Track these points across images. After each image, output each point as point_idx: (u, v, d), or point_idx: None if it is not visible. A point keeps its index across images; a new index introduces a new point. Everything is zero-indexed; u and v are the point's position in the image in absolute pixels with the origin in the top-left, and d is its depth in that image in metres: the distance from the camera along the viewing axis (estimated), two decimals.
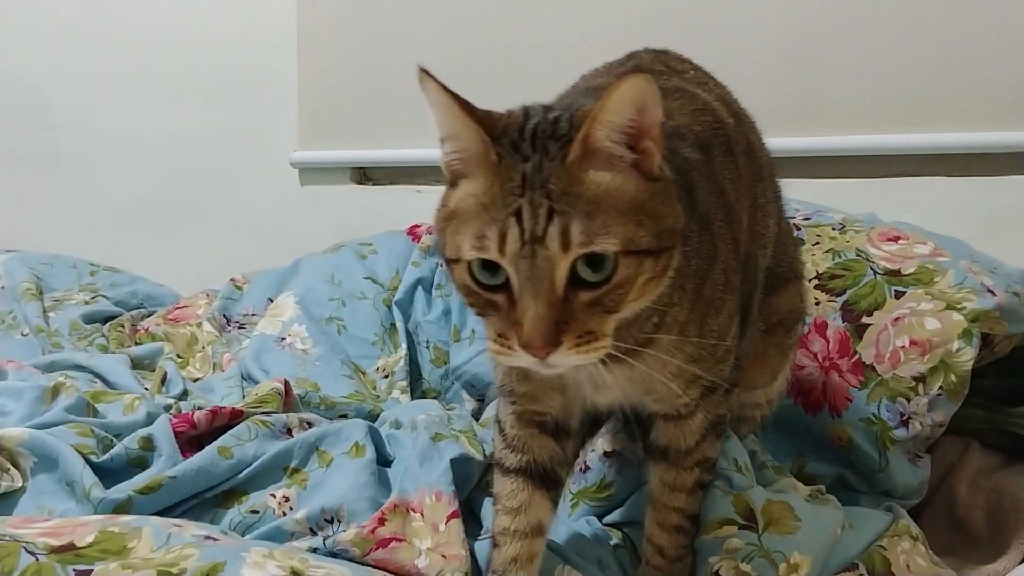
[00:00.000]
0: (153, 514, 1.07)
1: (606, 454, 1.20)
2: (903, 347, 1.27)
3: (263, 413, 1.32)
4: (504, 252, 0.76)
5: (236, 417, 1.30)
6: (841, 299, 1.35)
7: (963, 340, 1.24)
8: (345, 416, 1.47)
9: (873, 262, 1.38)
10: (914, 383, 1.24)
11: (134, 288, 2.14)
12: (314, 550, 1.06)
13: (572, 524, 1.17)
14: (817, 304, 1.36)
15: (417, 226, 1.95)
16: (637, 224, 0.77)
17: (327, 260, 1.89)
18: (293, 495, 1.18)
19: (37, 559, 0.84)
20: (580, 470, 1.21)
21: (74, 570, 0.83)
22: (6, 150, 2.68)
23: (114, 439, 1.26)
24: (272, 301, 1.85)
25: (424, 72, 0.77)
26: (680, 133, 0.94)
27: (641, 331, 0.86)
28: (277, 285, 1.90)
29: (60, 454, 1.16)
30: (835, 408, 1.29)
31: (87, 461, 1.16)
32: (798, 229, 1.46)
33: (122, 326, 1.91)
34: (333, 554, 1.06)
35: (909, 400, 1.24)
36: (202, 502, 1.17)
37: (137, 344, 1.84)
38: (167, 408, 1.42)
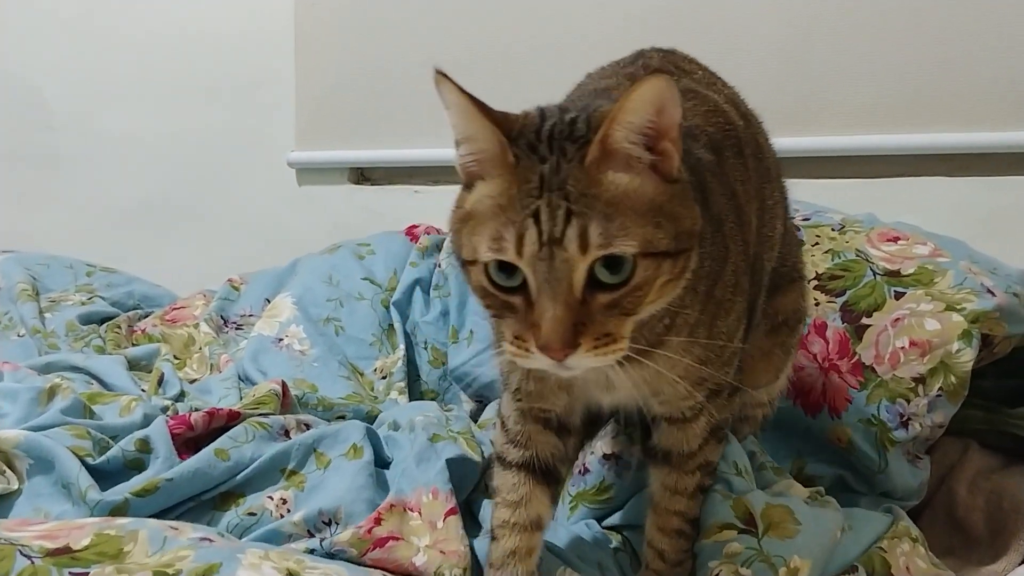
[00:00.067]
0: (150, 516, 1.06)
1: (605, 456, 1.19)
2: (903, 348, 1.26)
3: (260, 415, 1.32)
4: (522, 254, 0.75)
5: (233, 419, 1.29)
6: (841, 300, 1.35)
7: (963, 341, 1.23)
8: (343, 417, 1.47)
9: (873, 263, 1.37)
10: (914, 384, 1.24)
11: (131, 289, 2.14)
12: (311, 551, 1.06)
13: (571, 527, 1.16)
14: (817, 305, 1.35)
15: (415, 226, 1.95)
16: (656, 226, 0.76)
17: (325, 260, 1.88)
18: (291, 497, 1.18)
19: (32, 562, 0.83)
20: (579, 472, 1.21)
21: (70, 573, 0.83)
22: (5, 150, 2.68)
23: (110, 441, 1.25)
24: (269, 302, 1.85)
25: (441, 74, 0.77)
26: (693, 134, 0.94)
27: (652, 332, 0.86)
28: (274, 286, 1.90)
29: (56, 456, 1.16)
30: (835, 409, 1.28)
31: (83, 463, 1.16)
32: (798, 229, 1.46)
33: (119, 327, 1.90)
34: (330, 555, 1.05)
35: (909, 401, 1.24)
36: (199, 504, 1.16)
37: (134, 345, 1.84)
38: (164, 410, 1.42)
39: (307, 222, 2.36)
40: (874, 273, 1.36)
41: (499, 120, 0.79)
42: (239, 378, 1.61)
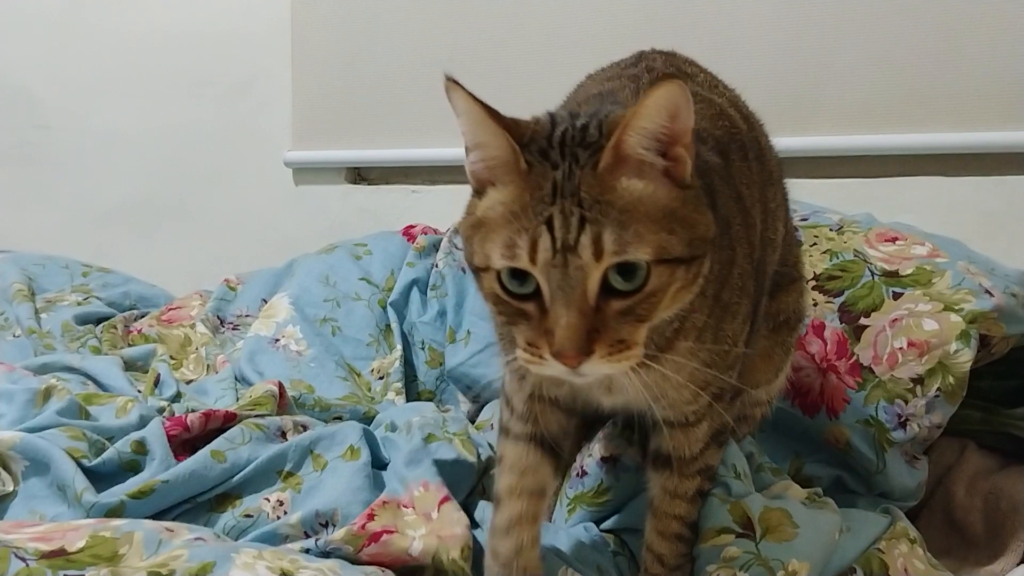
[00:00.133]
0: (146, 518, 1.05)
1: (603, 459, 1.19)
2: (901, 348, 1.26)
3: (257, 416, 1.31)
4: (535, 261, 0.75)
5: (230, 420, 1.29)
6: (839, 300, 1.35)
7: (961, 341, 1.23)
8: (340, 418, 1.47)
9: (871, 263, 1.37)
10: (912, 384, 1.24)
11: (127, 289, 2.13)
12: (307, 551, 1.05)
13: (570, 530, 1.16)
14: (815, 305, 1.35)
15: (412, 226, 1.94)
16: (670, 232, 0.76)
17: (321, 261, 1.88)
18: (287, 499, 1.17)
19: (27, 564, 0.83)
20: (577, 475, 1.21)
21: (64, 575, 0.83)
22: None
23: (106, 442, 1.25)
24: (266, 302, 1.84)
25: (451, 81, 0.77)
26: (701, 137, 0.94)
27: (661, 336, 0.86)
28: (271, 286, 1.89)
29: (52, 458, 1.15)
30: (833, 410, 1.28)
31: (79, 465, 1.16)
32: (796, 230, 1.46)
33: (115, 327, 1.90)
34: (326, 555, 1.04)
35: (907, 402, 1.24)
36: (195, 506, 1.16)
37: (130, 346, 1.83)
38: (160, 411, 1.41)
39: (304, 222, 2.36)
40: (872, 273, 1.36)
41: (510, 126, 0.79)
42: (236, 379, 1.61)
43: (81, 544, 0.88)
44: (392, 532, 1.07)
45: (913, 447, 1.26)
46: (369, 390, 1.65)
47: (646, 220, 0.75)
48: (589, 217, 0.74)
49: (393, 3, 2.22)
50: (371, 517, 1.09)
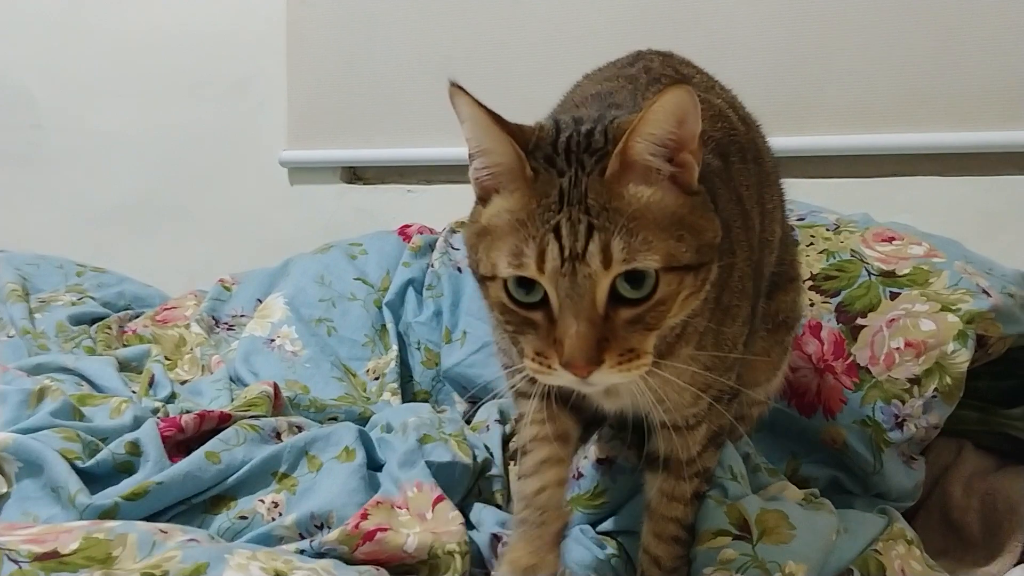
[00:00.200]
0: (140, 520, 1.05)
1: (599, 461, 1.19)
2: (898, 349, 1.26)
3: (252, 417, 1.31)
4: (543, 269, 0.75)
5: (224, 421, 1.28)
6: (835, 300, 1.35)
7: (958, 342, 1.23)
8: (335, 419, 1.46)
9: (868, 263, 1.37)
10: (909, 385, 1.24)
11: (121, 289, 2.12)
12: (302, 552, 1.05)
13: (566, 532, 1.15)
14: (812, 305, 1.35)
15: (408, 226, 1.94)
16: (678, 239, 0.76)
17: (317, 261, 1.87)
18: (282, 500, 1.17)
19: (20, 567, 0.83)
20: (573, 477, 1.20)
21: None
22: None
23: (100, 443, 1.24)
24: (261, 302, 1.83)
25: (455, 86, 0.76)
26: (702, 140, 0.94)
27: (664, 342, 0.85)
28: (266, 286, 1.88)
29: (45, 459, 1.15)
30: (829, 410, 1.28)
31: (73, 466, 1.15)
32: (792, 230, 1.46)
33: (109, 328, 1.89)
34: (321, 556, 1.04)
35: (904, 402, 1.24)
36: (190, 508, 1.15)
37: (125, 346, 1.82)
38: (154, 411, 1.40)
39: (299, 222, 2.35)
40: (869, 273, 1.35)
41: (515, 132, 0.78)
42: (230, 379, 1.60)
43: (75, 546, 0.87)
44: (387, 530, 1.07)
45: (910, 447, 1.26)
46: (365, 391, 1.64)
47: (654, 227, 0.75)
48: (597, 225, 0.74)
49: (389, 3, 2.21)
50: (365, 517, 1.08)
